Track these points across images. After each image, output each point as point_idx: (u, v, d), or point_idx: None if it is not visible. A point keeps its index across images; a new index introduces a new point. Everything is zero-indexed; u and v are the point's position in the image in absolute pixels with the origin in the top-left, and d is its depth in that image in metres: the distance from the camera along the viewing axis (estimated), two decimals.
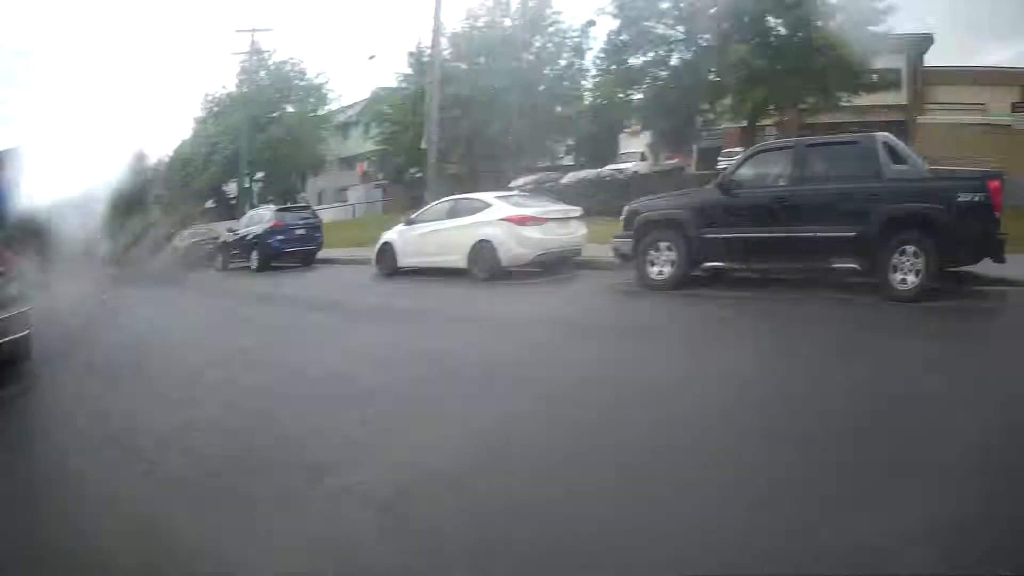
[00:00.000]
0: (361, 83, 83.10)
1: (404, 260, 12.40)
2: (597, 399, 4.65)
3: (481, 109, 26.94)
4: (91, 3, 74.38)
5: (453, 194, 14.42)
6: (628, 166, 24.96)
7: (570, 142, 32.77)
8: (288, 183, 37.84)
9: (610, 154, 30.05)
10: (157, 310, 11.33)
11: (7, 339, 5.87)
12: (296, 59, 38.67)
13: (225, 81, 54.89)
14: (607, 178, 21.96)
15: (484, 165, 28.97)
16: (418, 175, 33.26)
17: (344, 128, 43.37)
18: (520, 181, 25.46)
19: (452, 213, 11.99)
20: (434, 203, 13.44)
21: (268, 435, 4.37)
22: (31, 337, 6.42)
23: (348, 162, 42.94)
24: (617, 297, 9.19)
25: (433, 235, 11.98)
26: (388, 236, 12.95)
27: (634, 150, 29.52)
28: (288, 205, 20.26)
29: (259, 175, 37.62)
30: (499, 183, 26.90)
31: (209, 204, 46.80)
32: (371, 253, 13.09)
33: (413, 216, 13.10)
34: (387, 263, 12.68)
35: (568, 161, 32.97)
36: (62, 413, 5.51)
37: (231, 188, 44.01)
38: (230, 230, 19.08)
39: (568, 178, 24.46)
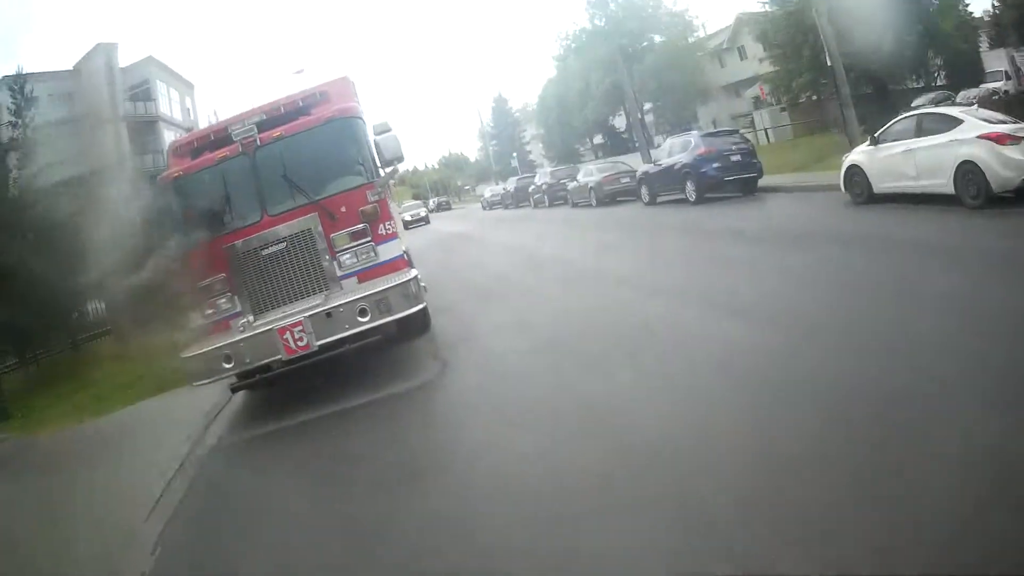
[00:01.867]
0: (719, 9, 77.56)
1: (880, 185, 10.89)
2: None
3: (874, 22, 23.69)
4: None
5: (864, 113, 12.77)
6: (997, 85, 23.36)
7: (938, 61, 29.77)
8: (679, 112, 37.28)
9: (976, 73, 27.30)
10: (628, 255, 11.48)
11: (420, 306, 6.52)
12: None
13: (573, 17, 56.21)
14: (996, 97, 19.12)
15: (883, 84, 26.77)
16: (813, 97, 30.60)
17: (718, 55, 41.50)
18: (921, 99, 23.26)
19: (920, 131, 10.10)
20: (896, 120, 11.51)
21: None
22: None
23: (734, 89, 41.03)
24: None
25: (906, 156, 10.21)
26: (854, 158, 11.42)
27: (996, 68, 26.97)
28: (713, 130, 18.95)
29: (647, 106, 37.64)
30: (902, 103, 24.36)
31: (598, 139, 48.84)
32: (818, 178, 11.86)
33: (877, 135, 11.40)
34: (859, 189, 11.30)
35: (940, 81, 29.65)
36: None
37: (617, 122, 45.33)
38: (652, 161, 18.36)
39: (961, 97, 21.63)
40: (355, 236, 6.65)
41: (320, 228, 6.62)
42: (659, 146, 32.10)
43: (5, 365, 15.35)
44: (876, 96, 26.42)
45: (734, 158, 15.63)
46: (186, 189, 6.91)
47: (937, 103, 20.54)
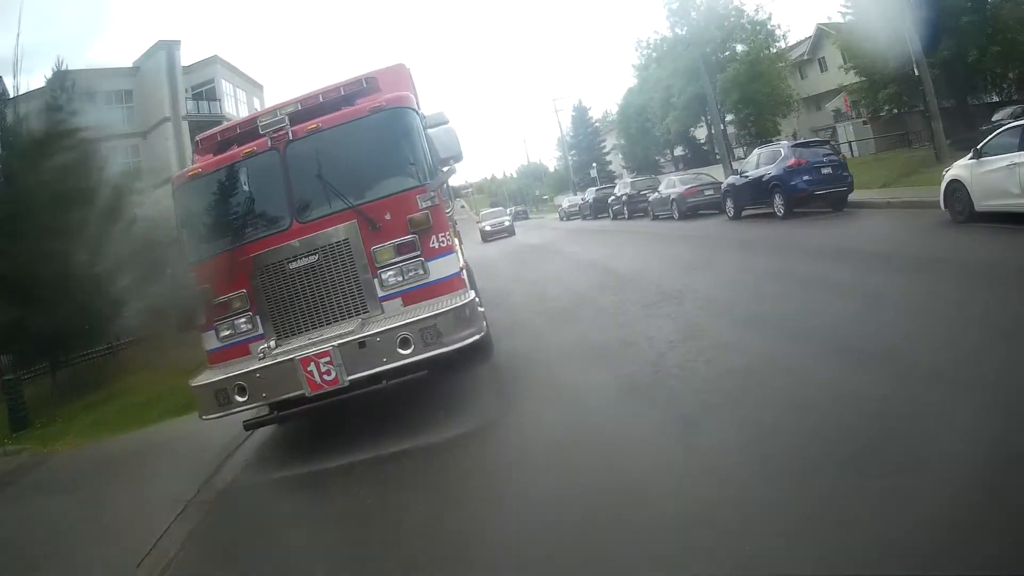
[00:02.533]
0: (800, 20, 75.49)
1: (981, 203, 10.35)
2: None
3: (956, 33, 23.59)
4: None
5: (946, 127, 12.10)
6: None
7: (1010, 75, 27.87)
8: (762, 124, 36.52)
9: None
10: (716, 276, 10.43)
11: (476, 336, 5.59)
12: None
13: (655, 25, 55.53)
14: None
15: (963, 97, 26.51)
16: (894, 110, 29.39)
17: (798, 66, 40.43)
18: (1001, 114, 21.86)
19: None
20: (998, 131, 10.89)
21: None
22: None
23: (814, 101, 39.90)
24: None
25: (1010, 172, 9.61)
26: (955, 173, 10.85)
27: None
28: (804, 140, 18.19)
29: (729, 117, 37.00)
30: (981, 116, 23.18)
31: (678, 151, 48.25)
32: (910, 194, 11.29)
33: (980, 147, 10.82)
34: (960, 206, 10.78)
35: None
36: None
37: (698, 133, 44.70)
38: (738, 172, 17.83)
39: None
40: (401, 249, 5.67)
41: (360, 239, 5.65)
42: (741, 158, 31.53)
43: (32, 369, 15.09)
44: (957, 110, 25.45)
45: (825, 171, 15.08)
46: (205, 190, 6.04)
47: (1017, 116, 19.45)
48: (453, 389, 6.42)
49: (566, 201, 46.75)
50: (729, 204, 18.21)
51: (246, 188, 6.05)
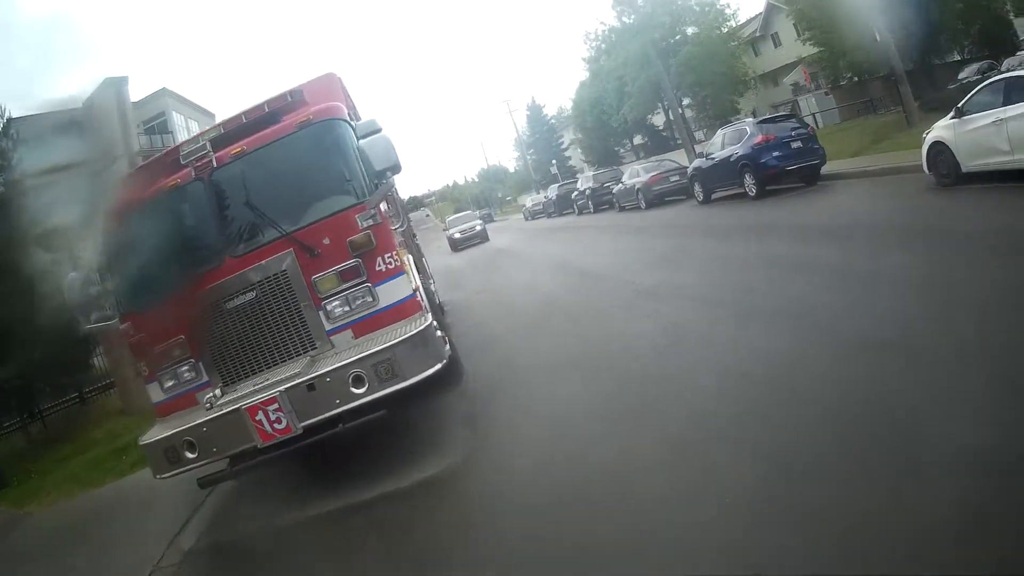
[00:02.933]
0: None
1: (969, 163, 9.65)
2: None
3: None
4: None
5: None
6: None
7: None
8: (720, 105, 36.04)
9: (1010, 41, 26.42)
10: (696, 267, 9.35)
11: (438, 365, 4.99)
12: None
13: (601, 16, 55.22)
14: None
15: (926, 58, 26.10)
16: (854, 78, 29.03)
17: (751, 43, 40.13)
18: (967, 71, 22.48)
19: (1009, 98, 8.85)
20: (979, 88, 10.24)
21: None
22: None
23: (771, 77, 39.57)
24: None
25: (997, 128, 9.01)
26: (937, 134, 10.17)
27: None
28: (768, 116, 17.41)
29: (686, 101, 36.43)
30: (946, 77, 22.93)
31: (638, 139, 47.69)
32: (885, 161, 10.56)
33: (961, 105, 10.12)
34: (946, 169, 10.05)
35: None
36: None
37: (656, 120, 44.18)
38: (703, 155, 17.03)
39: (1006, 65, 19.85)
40: (345, 276, 5.12)
41: (298, 269, 5.11)
42: (702, 141, 30.95)
43: (5, 426, 14.68)
44: (921, 71, 25.01)
45: (795, 145, 14.28)
46: (129, 231, 5.40)
47: (984, 72, 19.05)
48: (420, 423, 5.91)
49: (529, 200, 45.96)
50: (697, 188, 17.37)
51: (173, 225, 5.47)
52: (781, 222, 11.32)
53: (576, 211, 30.32)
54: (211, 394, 5.02)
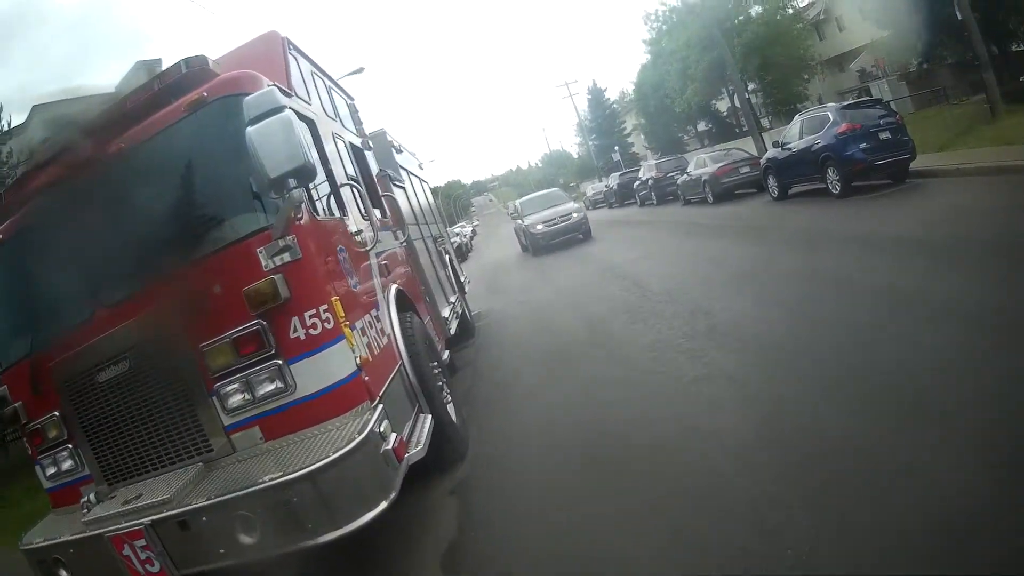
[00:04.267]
0: None
1: None
2: None
3: None
4: None
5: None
6: None
7: None
8: (788, 90, 34.08)
9: None
10: (790, 291, 7.10)
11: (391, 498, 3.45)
12: None
13: None
14: None
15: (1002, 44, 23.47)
16: (923, 65, 26.78)
17: (815, 27, 37.91)
18: None
19: None
20: None
21: None
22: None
23: (836, 63, 37.20)
24: None
25: None
26: None
27: None
28: (853, 101, 15.30)
29: (751, 86, 34.53)
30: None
31: (701, 126, 45.85)
32: (979, 157, 8.89)
33: None
34: None
35: None
36: None
37: (720, 105, 42.31)
38: (779, 144, 15.26)
39: None
40: (242, 346, 3.56)
41: (181, 332, 3.63)
42: (766, 129, 29.11)
43: None
44: (999, 58, 22.57)
45: (883, 136, 12.56)
46: None
47: None
48: (385, 545, 4.26)
49: (590, 189, 44.90)
50: (771, 182, 15.75)
51: (36, 259, 4.12)
52: (882, 233, 9.04)
53: (638, 202, 29.12)
54: (86, 498, 3.87)
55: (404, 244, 6.98)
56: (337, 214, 4.57)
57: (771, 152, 15.89)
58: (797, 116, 15.47)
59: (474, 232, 52.94)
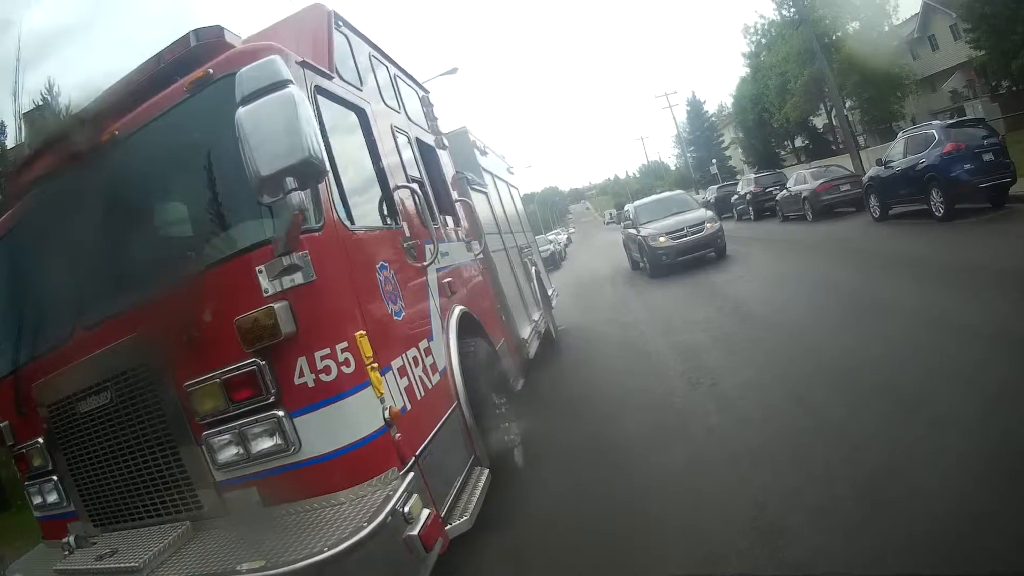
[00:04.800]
0: None
1: None
2: None
3: None
4: None
5: None
6: None
7: None
8: (885, 108, 33.30)
9: None
10: (926, 330, 6.02)
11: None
12: None
13: (759, 8, 52.09)
14: None
15: None
16: (1013, 88, 25.58)
17: (908, 45, 37.36)
18: None
19: None
20: None
21: None
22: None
23: (928, 83, 36.41)
24: None
25: None
26: None
27: None
28: (957, 120, 14.85)
29: (847, 103, 33.89)
30: None
31: (799, 141, 45.04)
32: None
33: None
34: None
35: None
36: None
37: (817, 122, 41.59)
38: (882, 162, 15.06)
39: None
40: (234, 389, 2.95)
41: (162, 365, 3.11)
42: (863, 148, 28.50)
43: None
44: None
45: (986, 157, 12.28)
46: None
47: None
48: None
49: None
50: (873, 201, 15.51)
51: (18, 263, 3.75)
52: (1001, 266, 7.84)
53: (735, 216, 29.17)
54: (67, 539, 3.48)
55: (479, 257, 6.37)
56: (388, 223, 3.98)
57: (873, 170, 15.84)
58: (900, 134, 15.39)
59: (569, 240, 53.38)
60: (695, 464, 4.49)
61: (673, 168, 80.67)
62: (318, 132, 2.83)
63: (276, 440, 2.93)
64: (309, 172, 2.72)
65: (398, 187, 4.17)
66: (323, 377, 2.90)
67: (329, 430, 2.92)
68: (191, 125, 3.12)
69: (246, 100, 2.71)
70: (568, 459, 5.15)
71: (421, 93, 6.21)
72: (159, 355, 3.08)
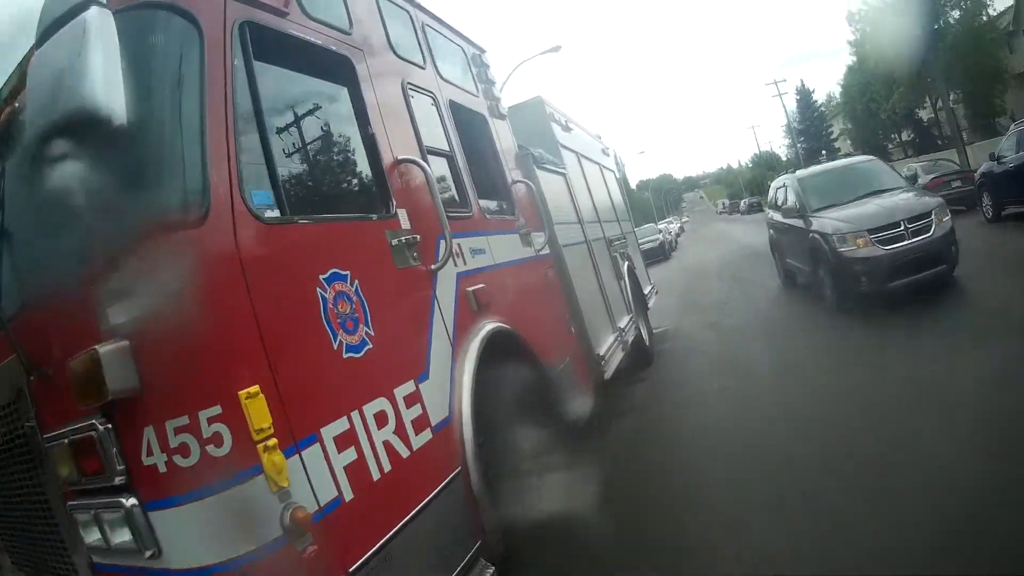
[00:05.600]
0: None
1: None
2: None
3: None
4: None
5: None
6: None
7: None
8: (984, 102, 30.79)
9: None
10: None
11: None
12: None
13: None
14: None
15: None
16: None
17: (1004, 38, 35.02)
18: None
19: None
20: None
21: None
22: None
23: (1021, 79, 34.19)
24: None
25: None
26: None
27: None
28: None
29: (951, 96, 31.55)
30: None
31: (905, 135, 42.43)
32: None
33: None
34: None
35: None
36: None
37: (923, 115, 39.20)
38: (996, 157, 13.49)
39: None
40: (81, 455, 2.17)
41: (26, 404, 2.50)
42: (968, 143, 26.44)
43: None
44: None
45: None
46: None
47: None
48: None
49: None
50: (986, 200, 13.97)
51: None
52: None
53: None
54: None
55: (542, 251, 5.16)
56: (368, 211, 2.96)
57: (986, 165, 14.42)
58: (1013, 126, 14.06)
59: (682, 229, 51.94)
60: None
61: (783, 159, 77.92)
62: (119, 77, 1.94)
63: (131, 537, 2.06)
64: (91, 125, 1.88)
65: (400, 161, 3.16)
66: (178, 460, 1.96)
67: (196, 537, 1.97)
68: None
69: (42, 39, 2.01)
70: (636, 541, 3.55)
71: (471, 51, 5.15)
72: (16, 392, 2.44)
